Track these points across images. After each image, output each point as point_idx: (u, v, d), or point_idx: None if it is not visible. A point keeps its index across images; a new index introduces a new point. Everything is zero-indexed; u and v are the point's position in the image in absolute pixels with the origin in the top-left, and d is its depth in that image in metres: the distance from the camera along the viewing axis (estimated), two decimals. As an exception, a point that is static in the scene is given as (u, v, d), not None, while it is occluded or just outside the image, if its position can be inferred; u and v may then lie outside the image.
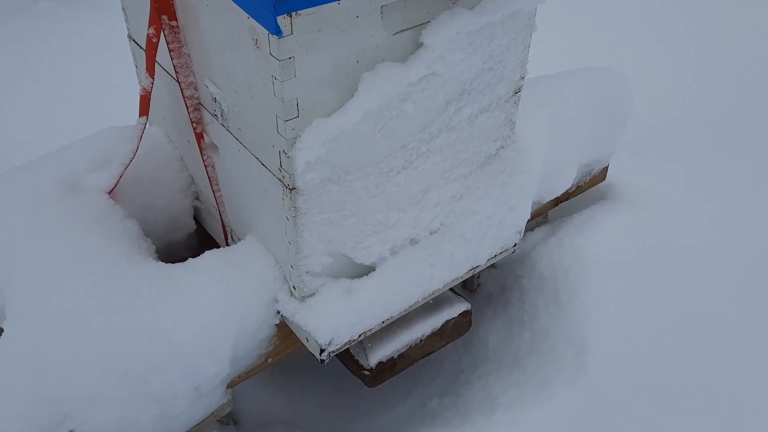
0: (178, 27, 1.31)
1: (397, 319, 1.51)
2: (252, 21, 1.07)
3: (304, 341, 1.41)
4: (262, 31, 1.05)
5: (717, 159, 2.40)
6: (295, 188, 1.19)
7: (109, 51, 3.19)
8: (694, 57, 3.20)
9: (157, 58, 1.39)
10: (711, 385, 1.69)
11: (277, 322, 1.43)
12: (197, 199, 1.68)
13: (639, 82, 2.90)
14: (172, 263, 1.43)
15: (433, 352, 1.66)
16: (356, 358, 1.56)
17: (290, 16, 1.02)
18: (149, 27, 1.31)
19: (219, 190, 1.51)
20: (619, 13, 3.47)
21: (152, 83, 1.40)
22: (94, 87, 3.04)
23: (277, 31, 1.02)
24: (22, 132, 2.80)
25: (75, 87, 3.07)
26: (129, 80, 1.98)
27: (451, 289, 1.66)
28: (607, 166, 2.08)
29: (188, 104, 1.39)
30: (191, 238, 1.71)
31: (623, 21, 3.42)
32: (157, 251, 1.58)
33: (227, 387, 1.44)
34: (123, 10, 1.55)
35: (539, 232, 2.03)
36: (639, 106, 2.77)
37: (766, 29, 3.36)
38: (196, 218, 1.72)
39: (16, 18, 3.57)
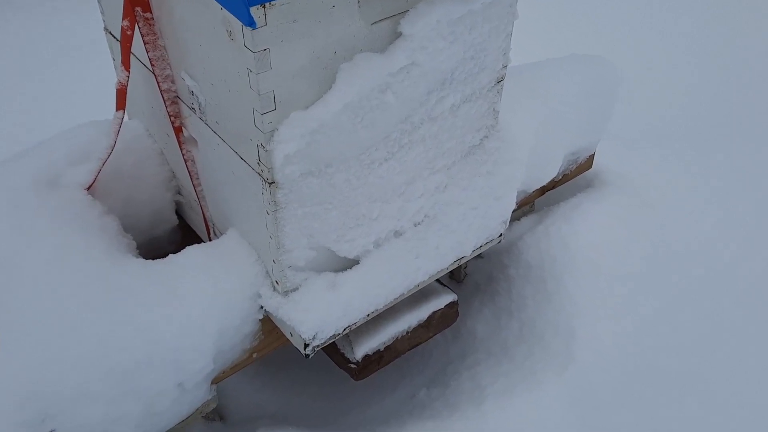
0: (153, 19, 1.29)
1: (383, 311, 1.49)
2: (225, 12, 1.04)
3: (288, 336, 1.40)
4: (235, 23, 1.03)
5: (716, 157, 2.39)
6: (274, 182, 1.17)
7: (96, 45, 3.15)
8: (694, 57, 3.19)
9: (133, 51, 1.36)
10: (700, 372, 1.69)
11: (261, 317, 1.42)
12: (179, 193, 1.65)
13: (639, 82, 2.91)
14: (154, 258, 1.42)
15: (420, 343, 1.65)
16: (342, 351, 1.54)
17: (264, 7, 1.00)
18: (123, 19, 1.28)
19: (200, 184, 1.49)
20: (619, 12, 3.46)
21: (128, 77, 1.38)
22: (81, 81, 3.01)
23: (250, 23, 1.00)
24: (9, 127, 2.77)
25: (62, 81, 3.03)
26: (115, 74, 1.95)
27: (438, 280, 1.65)
28: (594, 154, 2.07)
29: (165, 97, 1.37)
30: (173, 233, 1.69)
31: (623, 21, 3.41)
32: (139, 246, 1.56)
33: (212, 383, 1.43)
34: (98, 1, 1.52)
35: (526, 222, 2.02)
36: (639, 106, 2.78)
37: (766, 29, 3.35)
38: (179, 213, 1.70)
39: (2, 10, 3.52)
